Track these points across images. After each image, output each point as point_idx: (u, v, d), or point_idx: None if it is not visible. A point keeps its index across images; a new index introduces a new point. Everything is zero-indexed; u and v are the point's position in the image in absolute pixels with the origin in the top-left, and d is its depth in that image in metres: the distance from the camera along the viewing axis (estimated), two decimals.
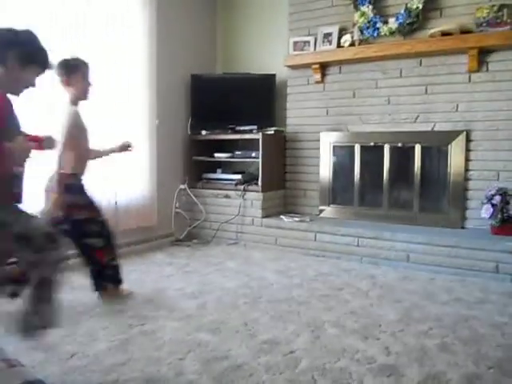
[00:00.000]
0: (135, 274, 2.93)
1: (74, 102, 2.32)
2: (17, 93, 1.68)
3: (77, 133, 2.31)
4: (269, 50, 4.13)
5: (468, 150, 3.24)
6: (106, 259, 2.38)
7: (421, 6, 3.26)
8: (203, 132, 4.01)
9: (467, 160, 3.25)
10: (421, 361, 1.76)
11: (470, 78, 3.22)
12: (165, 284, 2.72)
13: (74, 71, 2.29)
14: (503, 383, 1.60)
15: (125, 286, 2.49)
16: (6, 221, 1.59)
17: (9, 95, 1.66)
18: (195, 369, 1.68)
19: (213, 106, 4.03)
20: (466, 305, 2.39)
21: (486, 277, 2.83)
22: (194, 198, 3.98)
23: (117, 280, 2.44)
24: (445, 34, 3.17)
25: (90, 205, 2.38)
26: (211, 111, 4.04)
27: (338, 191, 3.79)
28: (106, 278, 2.40)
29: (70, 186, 2.25)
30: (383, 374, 1.65)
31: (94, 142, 2.54)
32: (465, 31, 3.13)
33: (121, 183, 3.32)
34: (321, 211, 3.82)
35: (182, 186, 4.00)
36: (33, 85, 1.71)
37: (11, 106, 1.66)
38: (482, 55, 3.15)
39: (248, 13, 4.27)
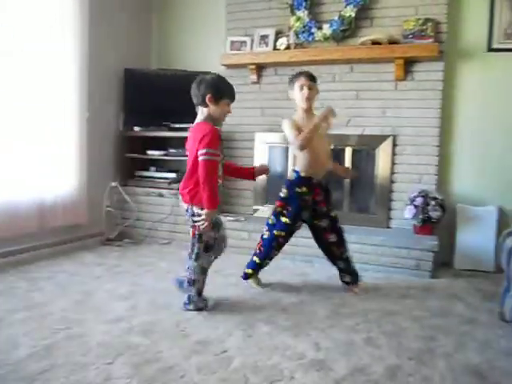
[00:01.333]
0: (62, 275, 2.78)
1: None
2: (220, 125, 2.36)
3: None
4: (206, 47, 4.10)
5: (394, 153, 3.42)
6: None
7: (353, 15, 3.39)
8: (136, 128, 3.89)
9: (393, 163, 3.43)
10: (348, 355, 1.83)
11: (396, 85, 3.41)
12: (94, 285, 2.61)
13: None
14: (422, 372, 1.71)
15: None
16: (219, 221, 2.34)
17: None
18: (124, 373, 1.63)
19: (147, 101, 3.93)
20: (390, 300, 2.52)
21: (408, 273, 3.01)
22: (125, 196, 3.85)
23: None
24: (375, 42, 3.33)
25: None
26: (145, 107, 3.94)
27: (273, 191, 3.84)
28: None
29: None
30: (313, 369, 1.70)
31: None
32: (393, 42, 3.30)
33: (47, 178, 3.14)
34: (255, 211, 3.86)
35: (114, 184, 3.86)
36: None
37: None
38: (408, 65, 3.34)
39: (185, 9, 4.21)
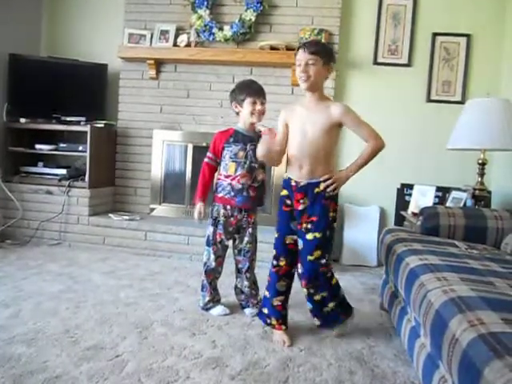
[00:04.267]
0: None
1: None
2: None
3: None
4: (102, 38, 3.90)
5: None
6: None
7: (253, 19, 3.48)
8: (22, 120, 3.58)
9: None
10: (243, 350, 1.88)
11: (293, 90, 3.57)
12: None
13: None
14: (311, 361, 1.82)
15: None
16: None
17: None
18: None
19: (35, 91, 3.63)
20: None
21: None
22: (8, 193, 3.52)
23: None
24: (273, 48, 3.45)
25: None
26: (33, 97, 3.64)
27: (170, 190, 3.80)
28: None
29: None
30: (209, 367, 1.72)
31: None
32: (290, 48, 3.45)
33: None
34: (152, 210, 3.77)
35: None
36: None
37: None
38: None
39: None
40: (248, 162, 2.22)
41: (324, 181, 1.94)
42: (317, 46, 1.93)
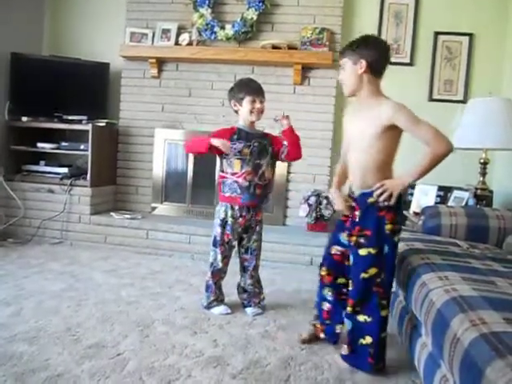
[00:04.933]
0: None
1: None
2: None
3: None
4: (104, 37, 3.90)
5: None
6: None
7: (255, 18, 3.48)
8: (24, 118, 3.58)
9: (289, 164, 3.59)
10: (245, 349, 1.88)
11: (294, 89, 3.57)
12: None
13: None
14: (312, 360, 1.82)
15: None
16: None
17: None
18: None
19: (37, 90, 3.64)
20: (285, 295, 2.64)
21: (302, 269, 3.17)
22: (10, 191, 3.52)
23: None
24: (275, 47, 3.45)
25: None
26: (34, 96, 3.64)
27: (171, 188, 3.80)
28: None
29: None
30: (210, 366, 1.72)
31: None
32: (292, 47, 3.45)
33: None
34: (153, 208, 3.78)
35: None
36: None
37: None
38: (305, 70, 3.52)
39: None
40: (253, 159, 2.21)
41: (377, 189, 1.70)
42: (347, 46, 1.80)
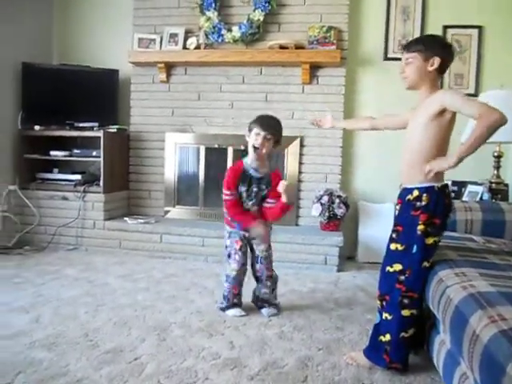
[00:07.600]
0: None
1: None
2: None
3: None
4: (112, 44, 3.94)
5: (301, 154, 3.57)
6: None
7: (261, 19, 3.47)
8: (36, 127, 3.63)
9: (300, 163, 3.58)
10: (261, 350, 1.88)
11: (303, 89, 3.56)
12: None
13: None
14: (330, 360, 1.81)
15: None
16: None
17: None
18: None
19: (48, 99, 3.68)
20: (299, 295, 2.63)
21: (317, 269, 3.16)
22: (25, 200, 3.57)
23: None
24: (282, 47, 3.44)
25: None
26: (46, 105, 3.69)
27: (184, 192, 3.81)
28: None
29: None
30: (227, 368, 1.72)
31: None
32: (299, 47, 3.44)
33: None
34: (166, 212, 3.80)
35: (12, 187, 3.56)
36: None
37: None
38: (313, 69, 3.50)
39: (90, 2, 4.01)
40: (254, 200, 2.28)
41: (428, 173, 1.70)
42: (415, 42, 1.79)
